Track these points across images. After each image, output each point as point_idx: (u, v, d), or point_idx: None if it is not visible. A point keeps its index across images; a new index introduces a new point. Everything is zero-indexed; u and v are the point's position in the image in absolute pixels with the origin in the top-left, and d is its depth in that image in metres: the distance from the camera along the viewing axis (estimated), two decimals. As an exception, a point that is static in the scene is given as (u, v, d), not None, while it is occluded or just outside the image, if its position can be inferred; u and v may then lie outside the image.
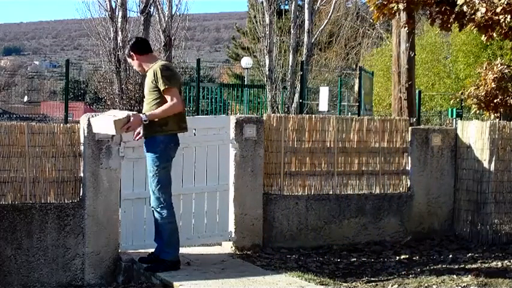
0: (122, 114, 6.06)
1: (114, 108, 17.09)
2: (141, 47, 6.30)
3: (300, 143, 7.60)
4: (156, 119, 6.03)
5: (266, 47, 23.33)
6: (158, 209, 6.14)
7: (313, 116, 7.89)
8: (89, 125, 6.27)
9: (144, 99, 6.28)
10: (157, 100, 6.09)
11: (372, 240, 7.83)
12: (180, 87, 6.30)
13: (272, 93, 22.31)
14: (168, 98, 6.04)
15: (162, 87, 6.03)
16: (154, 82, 6.08)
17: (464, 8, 9.31)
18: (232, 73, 38.50)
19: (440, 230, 8.21)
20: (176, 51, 21.07)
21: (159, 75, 6.03)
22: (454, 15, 10.07)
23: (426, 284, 6.12)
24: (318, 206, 7.62)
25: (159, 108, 6.05)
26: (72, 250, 6.33)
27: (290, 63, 23.64)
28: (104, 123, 6.06)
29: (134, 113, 6.08)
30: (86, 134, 6.33)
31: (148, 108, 6.15)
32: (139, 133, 6.08)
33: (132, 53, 6.26)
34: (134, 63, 6.35)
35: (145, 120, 6.00)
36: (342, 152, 7.79)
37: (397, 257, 7.28)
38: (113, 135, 6.29)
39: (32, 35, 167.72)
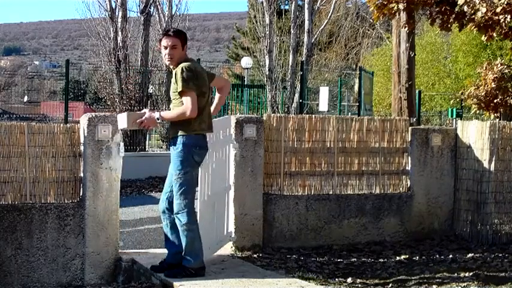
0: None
1: (114, 108, 17.12)
2: (186, 40, 5.95)
3: (300, 143, 7.60)
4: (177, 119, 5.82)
5: (266, 47, 23.35)
6: (179, 215, 5.86)
7: (313, 116, 7.88)
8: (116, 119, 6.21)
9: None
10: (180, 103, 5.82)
11: (372, 240, 7.83)
12: (203, 89, 5.85)
13: (272, 93, 22.33)
14: (183, 100, 5.72)
15: (179, 89, 5.70)
16: (175, 83, 5.80)
17: (465, 8, 9.31)
18: (232, 73, 38.46)
19: (440, 230, 8.21)
20: (176, 51, 21.06)
21: (178, 76, 5.72)
22: (454, 15, 10.07)
23: (426, 284, 6.12)
24: (318, 206, 7.62)
25: (173, 111, 5.86)
26: (72, 250, 6.32)
27: (290, 63, 23.66)
28: (121, 117, 6.00)
29: (150, 110, 6.02)
30: (86, 134, 6.32)
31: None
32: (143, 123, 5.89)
33: (182, 42, 5.84)
34: (174, 53, 5.82)
35: (158, 119, 5.82)
36: (342, 152, 7.79)
37: (397, 257, 7.28)
38: (122, 128, 6.14)
39: (32, 35, 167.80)
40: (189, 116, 5.71)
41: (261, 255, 7.01)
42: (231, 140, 7.08)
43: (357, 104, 18.15)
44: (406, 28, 11.77)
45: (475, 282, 6.15)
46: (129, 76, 17.78)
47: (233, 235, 7.11)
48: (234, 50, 42.90)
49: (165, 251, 6.23)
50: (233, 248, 7.11)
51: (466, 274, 6.46)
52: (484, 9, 9.03)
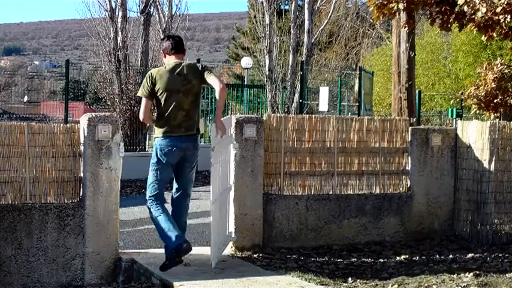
0: None
1: (114, 108, 17.13)
2: (166, 47, 6.38)
3: (300, 143, 7.59)
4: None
5: (266, 47, 23.34)
6: (148, 205, 6.28)
7: (313, 116, 7.88)
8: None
9: None
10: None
11: (372, 240, 7.83)
12: (165, 93, 6.18)
13: (272, 93, 22.32)
14: None
15: None
16: None
17: (465, 8, 9.30)
18: (232, 73, 38.46)
19: (440, 230, 8.21)
20: (176, 51, 21.04)
21: None
22: (454, 15, 10.07)
23: (426, 284, 6.11)
24: (318, 206, 7.62)
25: None
26: (72, 250, 6.32)
27: (290, 63, 23.64)
28: None
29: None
30: (86, 134, 6.32)
31: None
32: None
33: (162, 50, 6.44)
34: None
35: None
36: (342, 152, 7.79)
37: (397, 257, 7.28)
38: None
39: (32, 35, 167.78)
40: (141, 120, 6.46)
41: (261, 255, 7.01)
42: (231, 140, 7.08)
43: (357, 104, 18.15)
44: (406, 28, 11.76)
45: (475, 282, 6.15)
46: (129, 76, 17.76)
47: (233, 235, 7.11)
48: (234, 50, 42.89)
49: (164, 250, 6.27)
50: (233, 248, 7.11)
51: (466, 274, 6.46)
52: (484, 9, 9.03)
